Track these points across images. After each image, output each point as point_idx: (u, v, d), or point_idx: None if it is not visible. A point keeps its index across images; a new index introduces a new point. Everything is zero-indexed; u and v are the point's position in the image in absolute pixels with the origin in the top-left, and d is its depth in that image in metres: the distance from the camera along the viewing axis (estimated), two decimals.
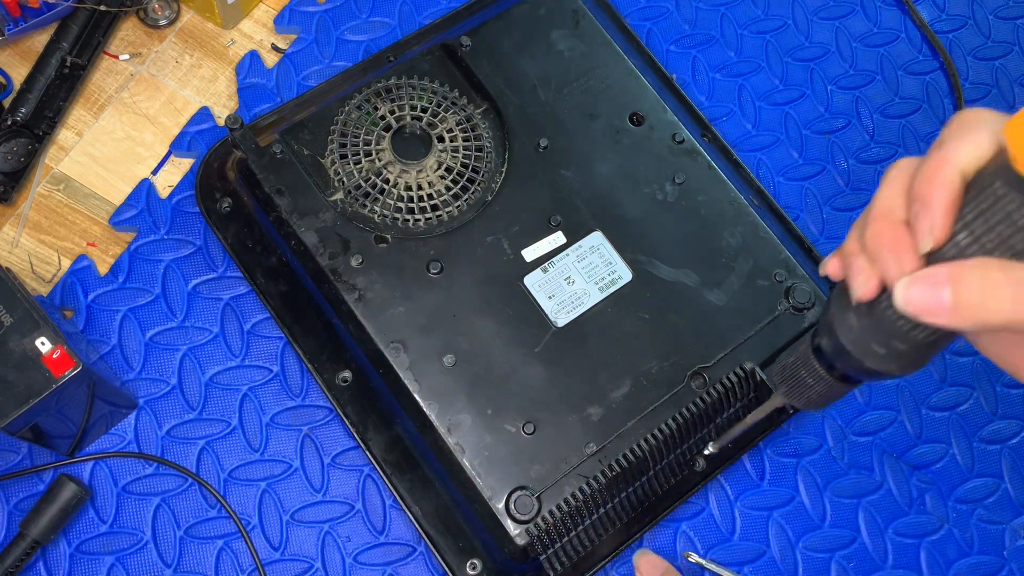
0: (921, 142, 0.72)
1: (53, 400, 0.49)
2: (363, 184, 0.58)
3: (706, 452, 0.54)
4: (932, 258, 0.32)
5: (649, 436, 0.54)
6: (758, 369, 0.56)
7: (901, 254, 0.32)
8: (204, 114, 0.66)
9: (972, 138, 0.31)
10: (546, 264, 0.58)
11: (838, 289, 0.37)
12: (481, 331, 0.56)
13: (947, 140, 0.31)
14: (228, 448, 0.59)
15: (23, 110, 0.63)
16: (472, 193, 0.60)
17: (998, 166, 0.29)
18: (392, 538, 0.59)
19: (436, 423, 0.54)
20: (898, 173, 0.34)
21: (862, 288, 0.34)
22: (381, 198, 0.58)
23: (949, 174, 0.31)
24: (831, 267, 0.37)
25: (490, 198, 0.59)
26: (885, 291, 0.34)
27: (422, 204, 0.58)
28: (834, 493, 0.63)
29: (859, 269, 0.34)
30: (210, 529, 0.58)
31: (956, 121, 0.32)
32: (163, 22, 0.68)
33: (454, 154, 0.60)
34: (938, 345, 0.35)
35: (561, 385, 0.55)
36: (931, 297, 0.30)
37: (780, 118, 0.72)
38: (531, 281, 0.57)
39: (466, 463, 0.53)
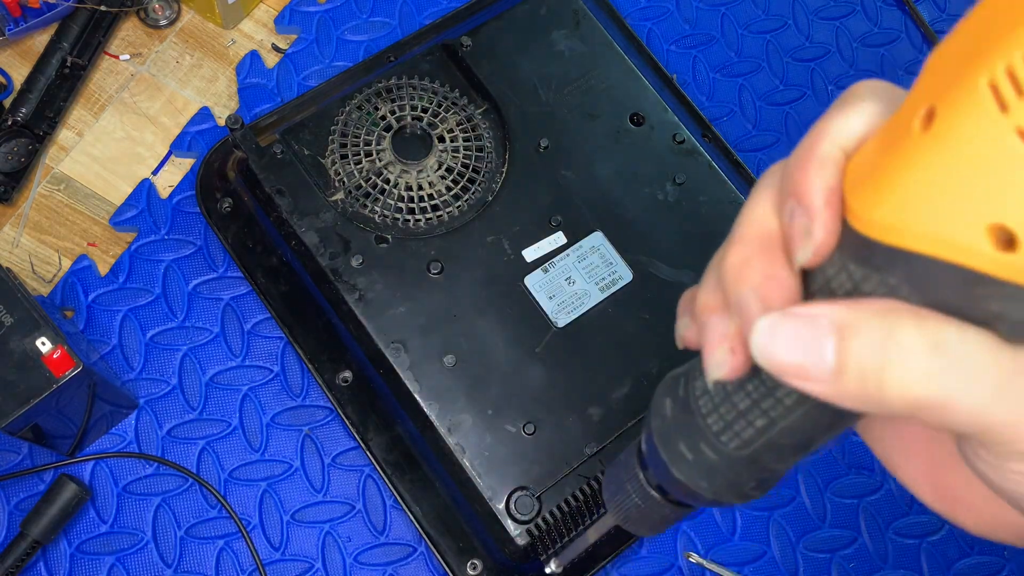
0: None
1: (53, 400, 0.49)
2: (363, 184, 0.58)
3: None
4: (816, 290, 0.20)
5: None
6: None
7: (768, 285, 0.21)
8: (204, 114, 0.66)
9: (858, 107, 0.21)
10: (547, 264, 0.58)
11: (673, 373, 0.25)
12: (481, 331, 0.56)
13: (828, 113, 0.21)
14: (228, 448, 0.59)
15: (23, 110, 0.63)
16: (472, 193, 0.60)
17: None
18: (392, 538, 0.59)
19: (436, 423, 0.54)
20: (769, 179, 0.22)
21: (720, 364, 0.22)
22: (381, 198, 0.58)
23: (827, 150, 0.20)
24: (688, 337, 0.25)
25: (491, 198, 0.59)
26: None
27: (422, 204, 0.58)
28: (834, 493, 0.63)
29: (714, 332, 0.22)
30: (210, 529, 0.58)
31: (843, 94, 0.22)
32: (163, 22, 0.68)
33: (455, 154, 0.60)
34: (775, 468, 0.23)
35: (561, 385, 0.55)
36: (805, 348, 0.19)
37: (781, 118, 0.72)
38: (532, 281, 0.57)
39: (466, 463, 0.53)
